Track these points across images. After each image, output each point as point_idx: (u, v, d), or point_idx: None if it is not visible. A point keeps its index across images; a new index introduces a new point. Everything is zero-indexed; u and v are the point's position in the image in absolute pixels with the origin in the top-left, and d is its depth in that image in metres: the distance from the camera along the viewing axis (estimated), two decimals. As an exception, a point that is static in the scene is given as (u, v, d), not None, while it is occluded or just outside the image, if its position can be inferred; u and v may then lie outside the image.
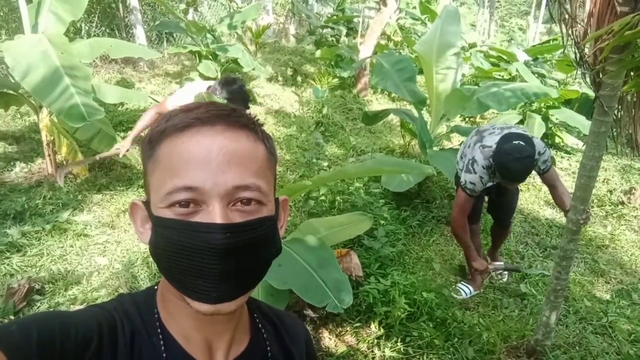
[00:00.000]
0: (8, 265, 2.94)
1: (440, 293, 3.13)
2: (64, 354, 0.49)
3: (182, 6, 7.89)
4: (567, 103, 6.92)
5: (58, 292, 2.83)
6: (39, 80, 3.05)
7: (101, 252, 3.32)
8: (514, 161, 2.52)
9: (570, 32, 2.19)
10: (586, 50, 2.21)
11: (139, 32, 7.57)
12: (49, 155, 4.09)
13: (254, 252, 0.55)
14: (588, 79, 2.25)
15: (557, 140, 6.69)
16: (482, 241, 3.57)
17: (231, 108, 0.57)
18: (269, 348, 0.70)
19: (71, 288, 2.88)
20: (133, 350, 0.56)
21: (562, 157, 6.46)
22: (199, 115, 0.54)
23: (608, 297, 3.58)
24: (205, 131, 0.54)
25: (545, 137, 6.36)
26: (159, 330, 0.59)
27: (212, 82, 3.14)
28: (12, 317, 2.52)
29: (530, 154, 2.55)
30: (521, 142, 2.56)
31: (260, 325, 0.71)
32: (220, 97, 2.91)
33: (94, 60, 6.77)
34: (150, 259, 3.24)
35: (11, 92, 3.97)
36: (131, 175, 4.33)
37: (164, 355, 0.58)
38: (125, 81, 6.56)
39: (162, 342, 0.58)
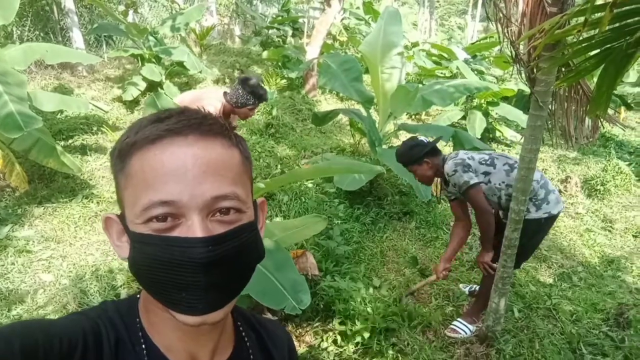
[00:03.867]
0: (-58, 288, 2.75)
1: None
2: None
3: (121, 8, 7.62)
4: (505, 99, 7.29)
5: (0, 312, 2.67)
6: (-32, 90, 2.86)
7: (46, 268, 3.17)
8: (401, 144, 2.99)
9: (505, 31, 2.32)
10: (521, 48, 2.35)
11: (76, 35, 7.23)
12: (-17, 168, 3.84)
13: (237, 261, 0.55)
14: (523, 76, 2.39)
15: (497, 134, 7.04)
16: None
17: (202, 116, 0.55)
18: (252, 356, 0.70)
19: (15, 307, 2.73)
20: (117, 358, 0.56)
21: (502, 150, 6.79)
22: (171, 126, 0.52)
23: (551, 281, 3.81)
24: (178, 142, 0.52)
25: (486, 131, 6.67)
26: (142, 340, 0.58)
27: (226, 89, 3.36)
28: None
29: (412, 145, 2.89)
30: (420, 138, 2.98)
31: (243, 334, 0.71)
32: (244, 94, 3.15)
33: (28, 67, 6.40)
34: (100, 272, 3.12)
35: (-64, 102, 3.69)
36: (74, 186, 4.14)
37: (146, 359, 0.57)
38: (64, 87, 6.25)
39: (145, 352, 0.57)
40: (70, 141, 4.93)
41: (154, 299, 0.56)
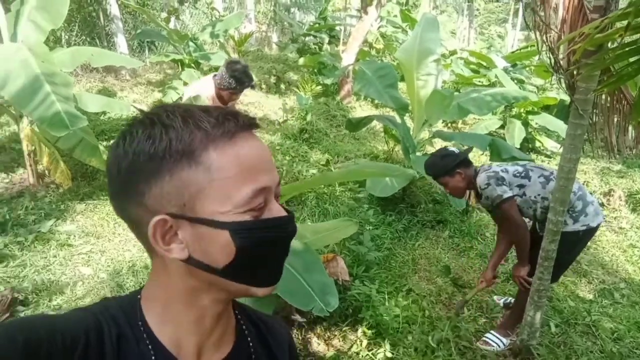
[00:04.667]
0: (-10, 276, 2.89)
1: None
2: (51, 357, 0.49)
3: (164, 15, 7.87)
4: (546, 109, 7.10)
5: (42, 302, 2.78)
6: (18, 89, 3.00)
7: (85, 262, 3.28)
8: (431, 156, 2.94)
9: (544, 38, 2.27)
10: (560, 55, 2.29)
11: (120, 40, 7.53)
12: (30, 165, 4.03)
13: None
14: (563, 84, 2.32)
15: (537, 144, 6.85)
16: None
17: (241, 112, 0.60)
18: (252, 350, 0.70)
19: (55, 298, 2.84)
20: (119, 354, 0.56)
21: (542, 161, 6.60)
22: (238, 123, 0.57)
23: (591, 297, 3.66)
24: (250, 137, 0.58)
25: (525, 141, 6.51)
26: (145, 336, 0.59)
27: (216, 73, 3.41)
28: (-6, 329, 2.48)
29: (443, 155, 2.83)
30: (451, 148, 2.90)
31: (244, 328, 0.72)
32: (227, 77, 3.22)
33: (74, 70, 6.70)
34: (136, 268, 3.21)
35: (-10, 102, 3.92)
36: (114, 184, 4.28)
37: (153, 358, 0.58)
38: (107, 90, 6.51)
39: (149, 347, 0.58)
40: (112, 141, 5.11)
41: (176, 290, 0.60)
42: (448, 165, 2.79)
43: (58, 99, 3.11)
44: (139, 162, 0.54)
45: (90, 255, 3.35)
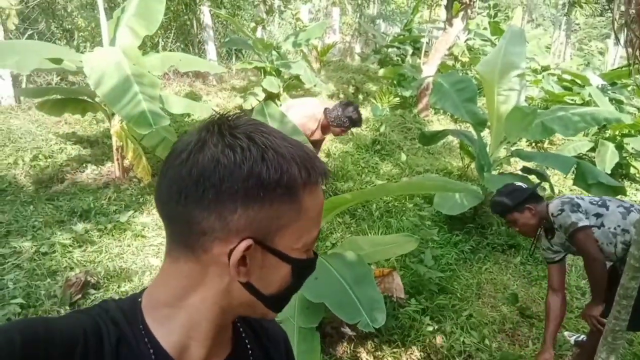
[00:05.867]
0: (69, 259, 3.15)
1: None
2: (49, 359, 0.50)
3: (252, 24, 8.23)
4: (646, 132, 6.44)
5: (111, 287, 2.99)
6: (111, 88, 3.27)
7: (155, 254, 3.48)
8: (497, 193, 2.73)
9: (638, 54, 2.06)
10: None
11: (210, 48, 7.99)
12: (118, 159, 4.38)
13: None
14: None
15: (632, 170, 6.22)
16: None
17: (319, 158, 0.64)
18: (250, 352, 0.71)
19: (124, 285, 3.04)
20: (119, 357, 0.57)
21: (637, 190, 5.99)
22: (323, 172, 0.61)
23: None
24: (321, 186, 0.62)
25: (619, 166, 5.95)
26: (146, 340, 0.59)
27: (327, 105, 3.93)
28: (67, 308, 2.71)
29: (509, 191, 2.62)
30: (517, 184, 2.69)
31: (241, 330, 0.72)
32: (342, 116, 3.70)
33: (167, 73, 7.20)
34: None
35: (88, 99, 4.31)
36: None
37: (153, 358, 0.59)
38: (194, 94, 6.91)
39: (150, 349, 0.59)
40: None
41: (189, 302, 0.61)
42: (517, 200, 2.56)
43: (144, 99, 3.33)
44: (247, 183, 0.53)
45: (161, 247, 3.55)
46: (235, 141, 0.54)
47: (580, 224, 2.36)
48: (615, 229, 2.38)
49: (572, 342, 3.05)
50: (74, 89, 5.23)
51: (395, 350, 2.76)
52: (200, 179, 0.53)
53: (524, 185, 2.67)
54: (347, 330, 2.74)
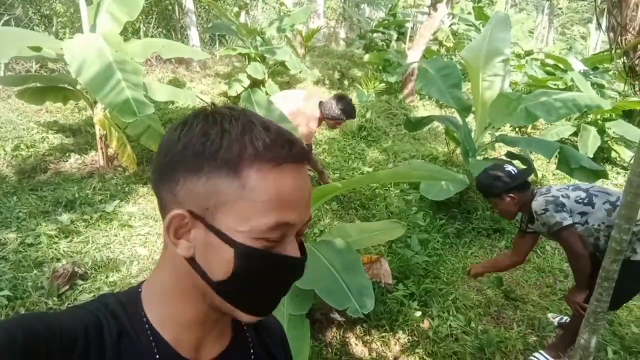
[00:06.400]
0: (55, 249, 3.12)
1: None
2: (50, 354, 0.50)
3: (235, 9, 8.11)
4: (628, 116, 6.55)
5: (99, 277, 2.98)
6: (93, 76, 3.20)
7: (142, 243, 3.47)
8: (484, 172, 2.71)
9: (619, 40, 2.09)
10: (637, 60, 2.10)
11: (193, 33, 7.85)
12: (102, 148, 4.32)
13: None
14: (637, 89, 2.13)
15: (613, 154, 6.35)
16: None
17: (301, 145, 0.59)
18: (250, 340, 0.72)
19: (112, 275, 3.03)
20: (120, 350, 0.57)
21: (617, 173, 6.11)
22: (290, 153, 0.56)
23: (659, 324, 3.35)
24: (295, 170, 0.57)
25: (600, 150, 6.06)
26: (149, 332, 0.60)
27: (322, 99, 3.96)
28: (55, 299, 2.69)
29: (496, 176, 2.61)
30: (507, 168, 2.65)
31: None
32: (336, 109, 3.77)
33: (149, 60, 7.07)
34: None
35: (69, 87, 4.22)
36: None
37: (156, 353, 0.59)
38: (177, 81, 6.81)
39: (152, 341, 0.59)
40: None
41: (177, 292, 0.61)
42: (500, 188, 2.60)
43: (128, 86, 3.28)
44: (185, 154, 0.55)
45: (148, 237, 3.54)
46: (190, 119, 0.58)
47: (565, 223, 2.41)
48: (599, 225, 2.43)
49: (556, 323, 3.14)
50: (54, 77, 5.11)
51: (383, 334, 2.81)
52: (158, 153, 0.59)
53: (513, 171, 2.65)
54: (337, 316, 2.78)
